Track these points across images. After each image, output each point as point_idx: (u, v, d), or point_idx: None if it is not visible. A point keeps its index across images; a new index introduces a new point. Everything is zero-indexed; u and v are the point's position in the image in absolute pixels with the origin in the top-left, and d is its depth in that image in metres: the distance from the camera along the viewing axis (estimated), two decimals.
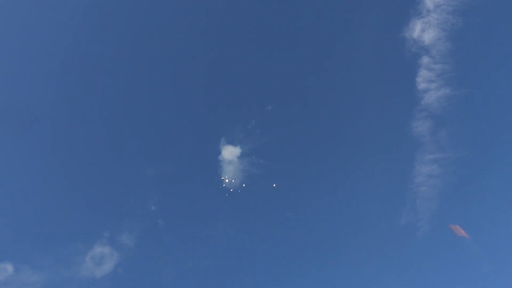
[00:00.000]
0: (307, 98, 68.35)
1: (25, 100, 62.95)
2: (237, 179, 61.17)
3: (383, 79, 66.91)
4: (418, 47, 64.30)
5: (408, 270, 62.41)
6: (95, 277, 57.58)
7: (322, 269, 62.76)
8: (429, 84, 63.62)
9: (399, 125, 65.71)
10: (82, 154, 63.99)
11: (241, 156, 62.75)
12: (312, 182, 66.59)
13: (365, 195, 65.28)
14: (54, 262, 57.91)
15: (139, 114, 66.16)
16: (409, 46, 64.71)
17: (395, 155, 66.05)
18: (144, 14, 68.04)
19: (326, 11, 69.65)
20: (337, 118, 68.38)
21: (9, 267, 56.27)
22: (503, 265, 60.02)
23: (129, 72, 66.94)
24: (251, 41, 68.78)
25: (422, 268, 62.17)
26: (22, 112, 62.22)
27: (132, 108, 66.34)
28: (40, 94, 64.18)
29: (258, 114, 65.22)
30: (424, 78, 63.91)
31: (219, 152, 62.73)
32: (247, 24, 69.34)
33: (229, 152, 62.48)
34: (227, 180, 60.74)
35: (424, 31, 64.09)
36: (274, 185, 61.58)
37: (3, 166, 61.41)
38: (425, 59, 64.01)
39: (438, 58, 63.62)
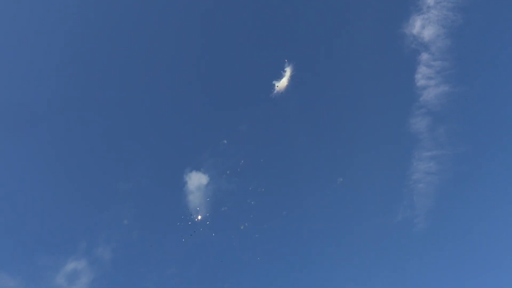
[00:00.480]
0: (305, 91, 68.12)
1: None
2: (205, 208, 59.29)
3: (381, 76, 66.71)
4: (418, 43, 64.07)
5: (404, 266, 63.11)
6: None
7: (319, 264, 63.24)
8: (428, 81, 63.54)
9: (397, 122, 65.88)
10: (56, 169, 63.79)
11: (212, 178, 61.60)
12: (310, 177, 66.69)
13: (362, 191, 65.51)
14: (31, 271, 57.62)
15: (113, 130, 65.95)
16: (409, 43, 64.44)
17: (393, 151, 66.40)
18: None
19: (322, 4, 69.37)
20: (334, 114, 68.31)
21: None
22: (499, 261, 60.89)
23: (107, 89, 66.52)
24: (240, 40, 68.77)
25: (418, 264, 62.87)
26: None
27: (107, 123, 66.05)
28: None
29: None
30: (423, 75, 63.78)
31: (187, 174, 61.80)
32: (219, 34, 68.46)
33: (197, 178, 61.09)
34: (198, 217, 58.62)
35: (424, 27, 63.81)
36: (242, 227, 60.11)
37: None
38: (424, 56, 63.86)
39: (438, 55, 63.49)
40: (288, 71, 59.34)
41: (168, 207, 62.04)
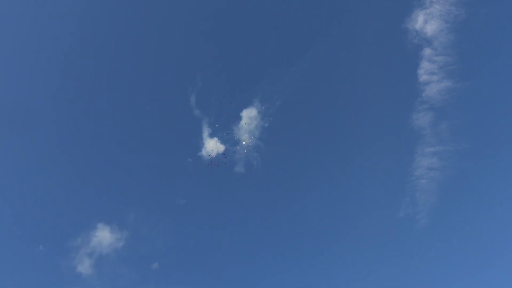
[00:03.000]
0: (307, 88, 67.89)
1: None
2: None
3: (384, 71, 66.32)
4: (420, 38, 63.59)
5: (406, 261, 62.73)
6: None
7: (321, 259, 62.94)
8: (431, 76, 63.15)
9: (399, 117, 65.42)
10: None
11: None
12: (312, 172, 66.49)
13: (364, 187, 65.25)
14: None
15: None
16: (411, 38, 63.98)
17: (395, 147, 65.99)
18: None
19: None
20: (337, 109, 68.09)
21: None
22: (500, 258, 60.54)
23: None
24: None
25: (419, 259, 62.52)
26: None
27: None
28: None
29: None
30: (425, 70, 63.37)
31: None
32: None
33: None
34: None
35: (426, 22, 63.34)
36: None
37: None
38: (427, 51, 63.39)
39: (440, 50, 63.05)
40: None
41: None
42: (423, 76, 63.34)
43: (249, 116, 63.08)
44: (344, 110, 67.67)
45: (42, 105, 65.34)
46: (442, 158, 62.38)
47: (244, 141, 61.90)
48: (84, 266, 58.68)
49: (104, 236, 59.62)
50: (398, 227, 63.49)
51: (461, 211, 63.68)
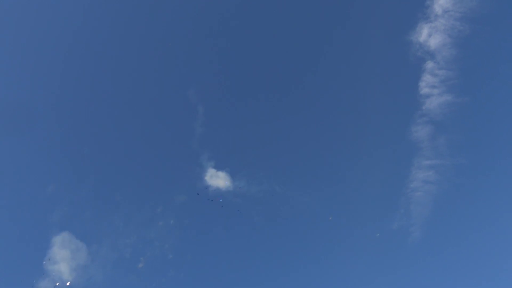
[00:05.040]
0: (308, 95, 67.84)
1: None
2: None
3: (386, 82, 66.49)
4: (424, 51, 63.84)
5: (398, 274, 62.58)
6: None
7: (313, 271, 62.47)
8: (432, 90, 63.30)
9: (398, 129, 65.59)
10: None
11: None
12: (308, 180, 66.27)
13: (359, 197, 64.98)
14: None
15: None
16: (415, 50, 64.18)
17: (392, 158, 65.98)
18: None
19: (329, 8, 69.08)
20: (336, 117, 67.89)
21: None
22: (493, 273, 60.66)
23: None
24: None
25: (412, 272, 62.39)
26: None
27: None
28: None
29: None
30: (427, 83, 63.54)
31: None
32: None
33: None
34: None
35: (430, 35, 63.59)
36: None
37: None
38: (429, 64, 63.58)
39: (443, 64, 63.26)
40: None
41: None
42: (424, 89, 63.60)
43: None
44: (342, 118, 67.72)
45: None
46: (438, 172, 62.51)
47: None
48: None
49: None
50: (392, 239, 63.46)
51: (455, 226, 63.87)
